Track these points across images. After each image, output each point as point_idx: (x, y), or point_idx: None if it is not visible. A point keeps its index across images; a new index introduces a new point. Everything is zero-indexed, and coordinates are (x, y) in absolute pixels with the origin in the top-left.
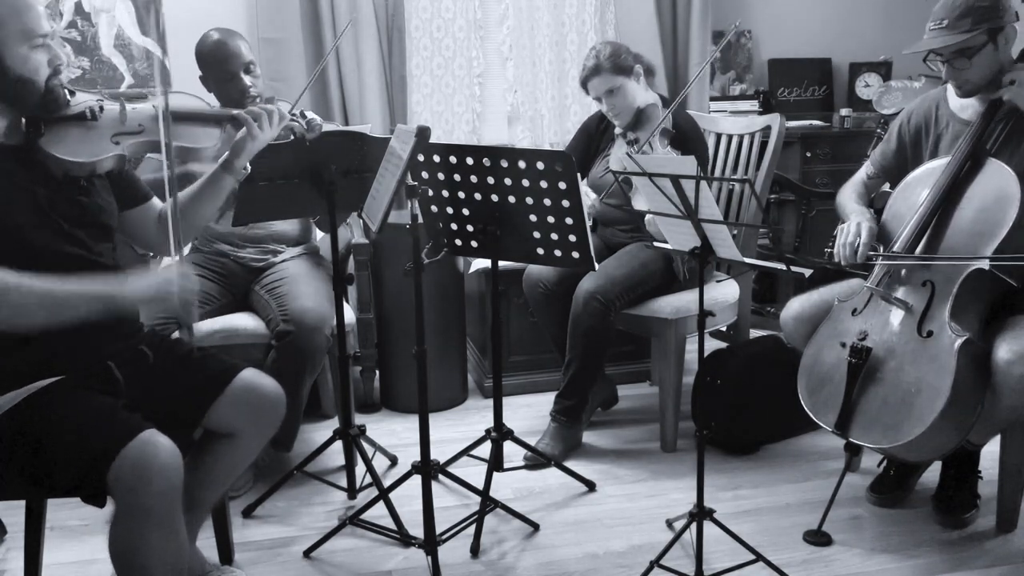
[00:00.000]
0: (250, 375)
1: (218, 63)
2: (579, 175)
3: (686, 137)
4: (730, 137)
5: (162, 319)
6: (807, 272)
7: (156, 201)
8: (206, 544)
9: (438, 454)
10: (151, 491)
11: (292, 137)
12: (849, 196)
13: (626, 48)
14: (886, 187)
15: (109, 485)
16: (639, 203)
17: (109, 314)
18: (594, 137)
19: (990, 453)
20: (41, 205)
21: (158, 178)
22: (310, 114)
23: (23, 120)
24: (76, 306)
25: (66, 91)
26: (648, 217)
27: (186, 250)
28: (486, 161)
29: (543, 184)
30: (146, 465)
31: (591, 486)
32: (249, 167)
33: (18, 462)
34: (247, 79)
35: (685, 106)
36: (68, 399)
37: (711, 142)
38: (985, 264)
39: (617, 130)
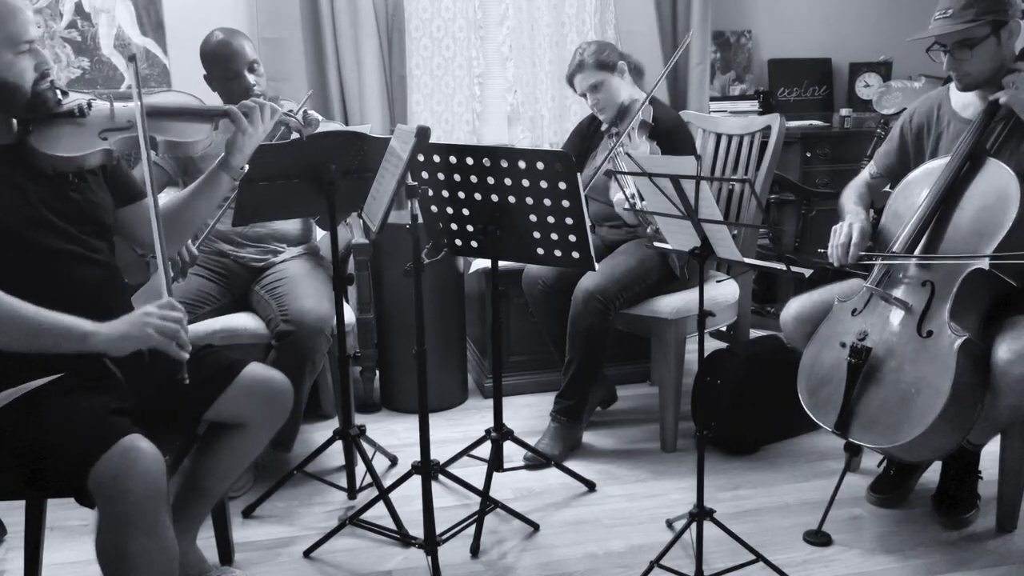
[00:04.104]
0: (257, 367)
1: (221, 62)
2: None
3: (668, 131)
4: (730, 137)
5: None
6: (807, 272)
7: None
8: (206, 544)
9: (438, 454)
10: (131, 498)
11: (291, 135)
12: (849, 197)
13: (611, 46)
14: (886, 187)
15: (90, 491)
16: (614, 192)
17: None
18: (586, 137)
19: (990, 453)
20: (31, 202)
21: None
22: (311, 112)
23: (14, 120)
24: (53, 337)
25: (58, 91)
26: (616, 199)
27: (195, 246)
28: (486, 161)
29: (543, 184)
30: (126, 472)
31: (591, 486)
32: (247, 167)
33: (11, 462)
34: (251, 77)
35: (684, 106)
36: (57, 401)
37: (711, 142)
38: (985, 264)
39: (603, 127)
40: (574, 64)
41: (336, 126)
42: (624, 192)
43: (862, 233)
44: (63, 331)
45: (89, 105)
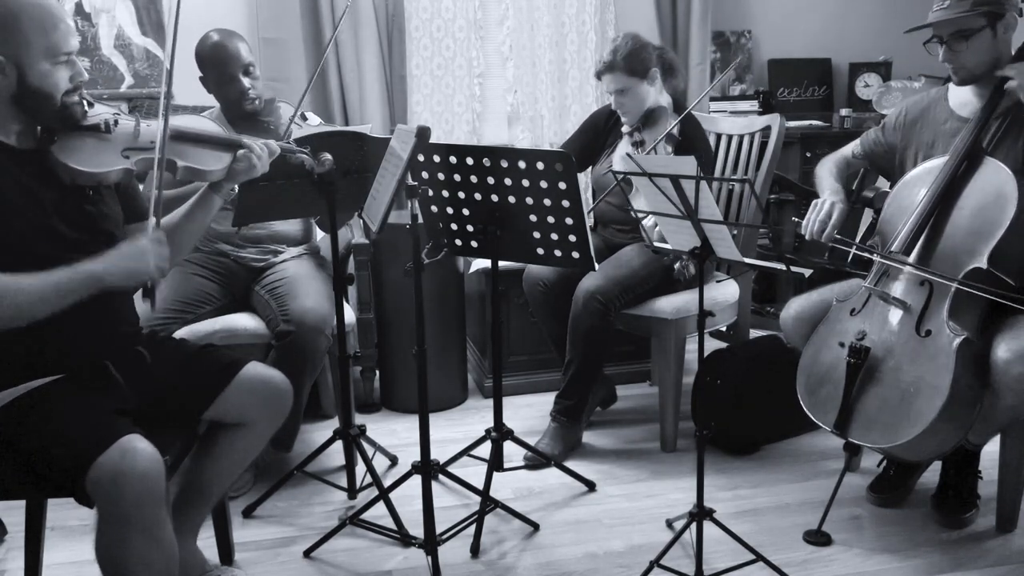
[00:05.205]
0: (257, 367)
1: (217, 65)
2: (580, 169)
3: (692, 144)
4: (730, 137)
5: (160, 319)
6: (807, 272)
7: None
8: (206, 544)
9: (438, 454)
10: (129, 498)
11: (303, 166)
12: (828, 170)
13: (647, 48)
14: (885, 186)
15: (88, 491)
16: (638, 205)
17: (102, 292)
18: (601, 133)
19: (990, 453)
20: (46, 209)
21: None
22: (325, 154)
23: (38, 127)
24: (71, 292)
25: (85, 102)
26: (644, 221)
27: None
28: (486, 161)
29: (543, 184)
30: (123, 472)
31: (591, 486)
32: (236, 189)
33: (11, 461)
34: (246, 81)
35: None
36: (57, 401)
37: (711, 142)
38: (983, 263)
39: (624, 128)
40: (605, 62)
41: (329, 127)
42: (644, 225)
43: (841, 215)
44: (78, 284)
45: (115, 122)
